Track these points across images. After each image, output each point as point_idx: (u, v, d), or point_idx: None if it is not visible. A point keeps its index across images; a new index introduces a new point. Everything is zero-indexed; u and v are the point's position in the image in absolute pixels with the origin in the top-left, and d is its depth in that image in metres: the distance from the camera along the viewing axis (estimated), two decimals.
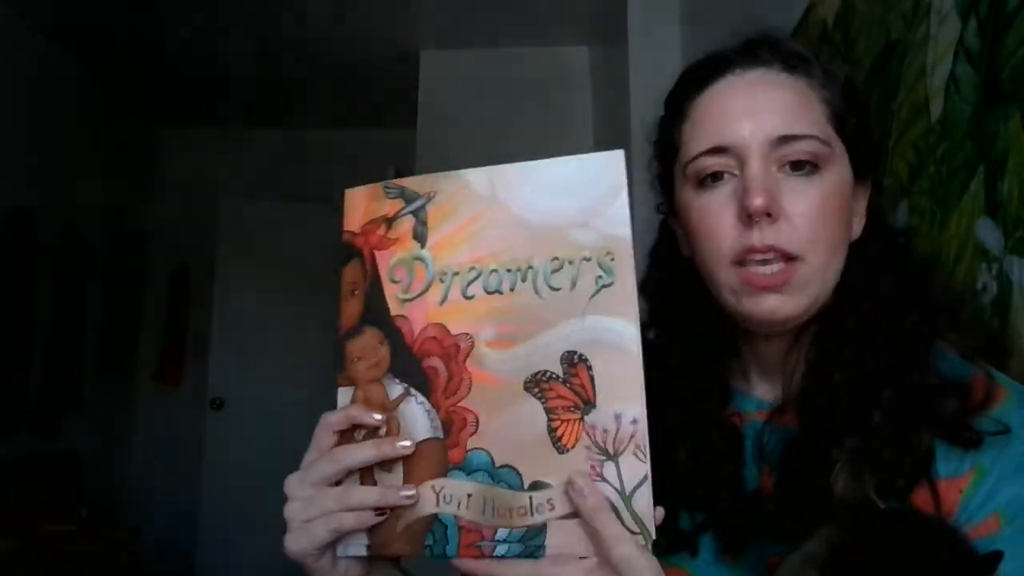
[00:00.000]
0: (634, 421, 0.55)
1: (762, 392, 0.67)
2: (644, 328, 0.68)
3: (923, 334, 0.58)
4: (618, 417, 0.55)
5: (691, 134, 0.63)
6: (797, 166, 0.58)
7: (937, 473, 0.54)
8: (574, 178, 0.60)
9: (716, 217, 0.60)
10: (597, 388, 0.56)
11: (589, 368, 0.57)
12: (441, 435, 0.60)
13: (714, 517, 0.63)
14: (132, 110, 4.15)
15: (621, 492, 0.55)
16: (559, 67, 3.25)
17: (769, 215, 0.57)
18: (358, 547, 0.60)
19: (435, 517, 0.58)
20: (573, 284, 0.58)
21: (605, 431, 0.55)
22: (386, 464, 0.60)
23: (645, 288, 0.71)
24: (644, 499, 0.54)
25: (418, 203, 0.64)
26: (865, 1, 1.07)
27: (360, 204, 0.66)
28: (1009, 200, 0.73)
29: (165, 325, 4.30)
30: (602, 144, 2.48)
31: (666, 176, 0.67)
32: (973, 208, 0.79)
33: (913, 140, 0.92)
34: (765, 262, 0.58)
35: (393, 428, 0.61)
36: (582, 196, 0.59)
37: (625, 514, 0.54)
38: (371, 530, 0.59)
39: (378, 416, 0.60)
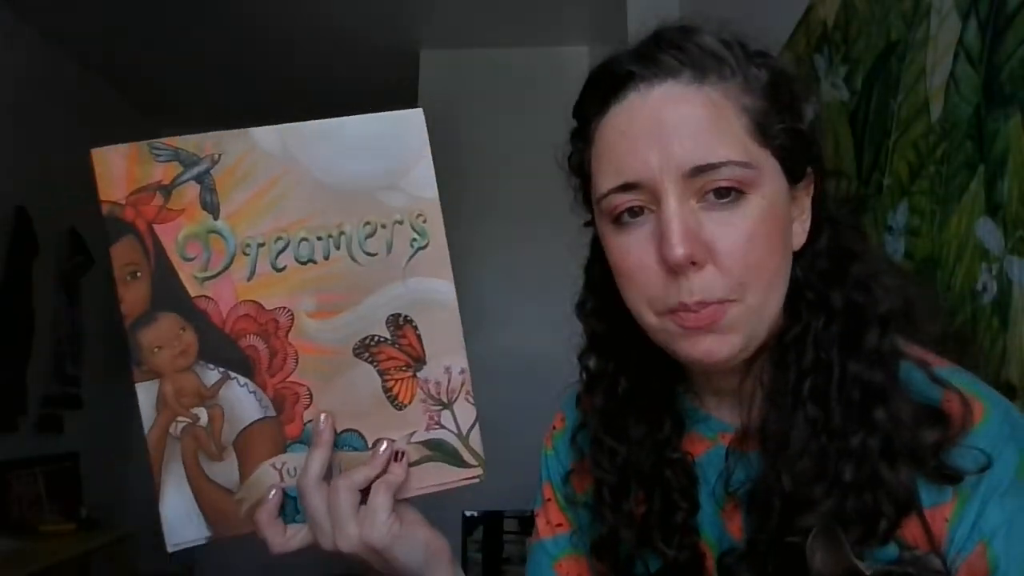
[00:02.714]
0: (462, 371, 0.60)
1: (723, 414, 0.62)
2: (584, 354, 0.67)
3: (884, 356, 0.53)
4: (448, 369, 0.60)
5: (598, 165, 0.56)
6: (721, 193, 0.52)
7: (921, 502, 0.50)
8: (375, 138, 0.59)
9: (637, 261, 0.54)
10: (425, 345, 0.59)
11: (415, 328, 0.59)
12: (273, 413, 0.58)
13: (669, 567, 0.60)
14: (132, 110, 4.15)
15: (459, 434, 0.60)
16: (559, 67, 3.25)
17: (694, 263, 0.51)
18: (198, 535, 0.59)
19: (282, 492, 0.59)
20: (389, 248, 0.58)
21: (438, 383, 0.60)
22: (215, 454, 0.58)
23: (582, 311, 0.67)
24: (477, 436, 0.60)
25: (200, 167, 0.57)
26: (865, 1, 1.07)
27: (118, 168, 0.57)
28: (1009, 200, 0.73)
29: None
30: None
31: (587, 193, 0.61)
32: (973, 208, 0.79)
33: (913, 140, 0.92)
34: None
35: (216, 416, 0.58)
36: (385, 157, 0.59)
37: (464, 451, 0.60)
38: (212, 519, 0.58)
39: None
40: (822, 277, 0.57)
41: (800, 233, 0.58)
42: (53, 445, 3.40)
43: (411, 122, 0.59)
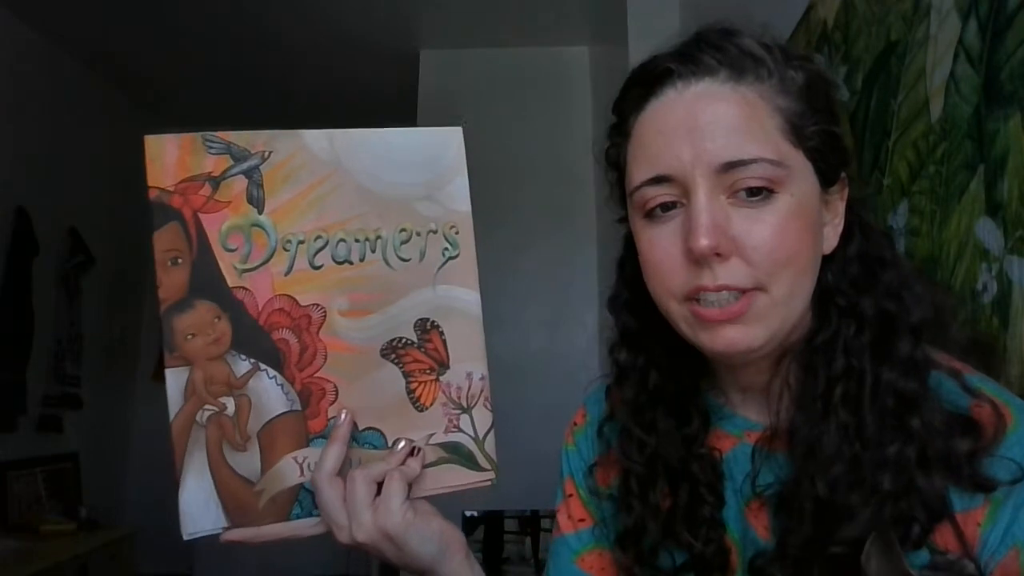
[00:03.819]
0: (482, 377, 0.63)
1: (748, 411, 0.63)
2: (615, 348, 0.67)
3: (918, 365, 0.54)
4: (469, 375, 0.62)
5: (633, 159, 0.57)
6: (752, 192, 0.52)
7: (952, 507, 0.50)
8: (417, 151, 0.62)
9: (664, 252, 0.55)
10: (450, 350, 0.62)
11: (441, 333, 0.62)
12: (299, 407, 0.60)
13: (695, 561, 0.60)
14: (133, 110, 4.15)
15: (475, 438, 0.63)
16: (559, 67, 3.25)
17: (719, 255, 0.52)
18: (215, 525, 0.59)
19: (300, 487, 0.60)
20: (422, 255, 0.62)
21: (459, 388, 0.62)
22: (239, 444, 0.59)
23: (615, 305, 0.67)
24: (492, 442, 0.63)
25: (250, 162, 0.60)
26: (865, 1, 1.07)
27: (170, 155, 0.59)
28: (1009, 200, 0.73)
29: None
30: (599, 143, 2.47)
31: (623, 187, 0.61)
32: (973, 208, 0.79)
33: (913, 140, 0.92)
34: (718, 297, 0.53)
35: (243, 407, 0.59)
36: (425, 169, 0.62)
37: (479, 455, 0.63)
38: (230, 509, 0.59)
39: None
40: (853, 283, 0.57)
41: (832, 237, 0.58)
42: (53, 445, 3.40)
43: (451, 138, 0.62)
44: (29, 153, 3.27)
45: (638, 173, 0.56)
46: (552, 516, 0.75)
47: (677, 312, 0.56)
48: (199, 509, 0.59)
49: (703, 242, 0.51)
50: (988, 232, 0.77)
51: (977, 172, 0.79)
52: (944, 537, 0.50)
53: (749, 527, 0.60)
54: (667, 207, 0.55)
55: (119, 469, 4.13)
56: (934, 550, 0.50)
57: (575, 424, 0.74)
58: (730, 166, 0.52)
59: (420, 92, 3.27)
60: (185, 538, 0.59)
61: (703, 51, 0.55)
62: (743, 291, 0.53)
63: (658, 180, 0.54)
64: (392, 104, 3.59)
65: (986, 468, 0.50)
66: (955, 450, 0.50)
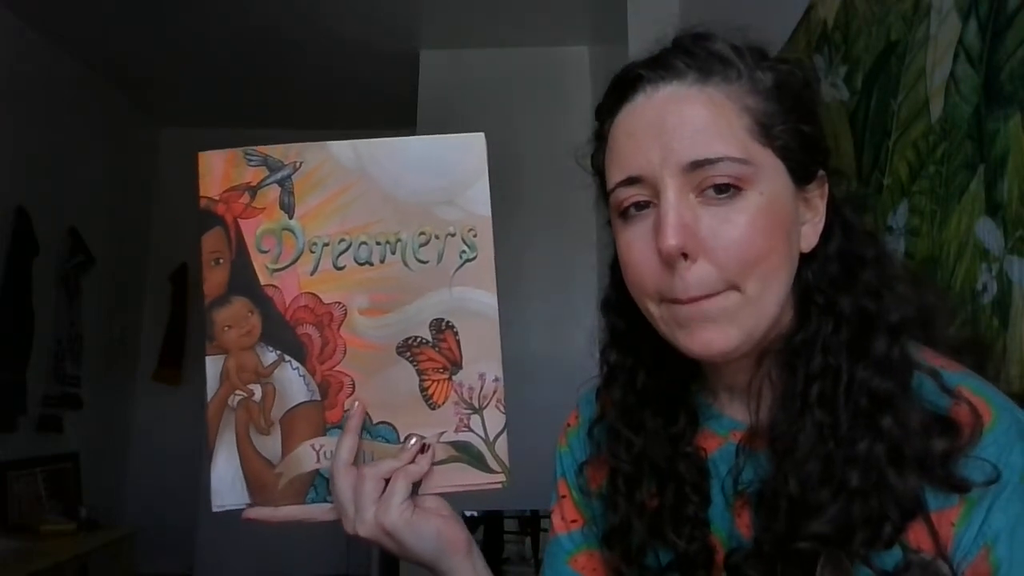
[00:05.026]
0: (496, 379, 0.64)
1: (735, 411, 0.63)
2: (605, 349, 0.68)
3: (894, 364, 0.54)
4: (482, 376, 0.64)
5: (608, 162, 0.59)
6: (719, 189, 0.53)
7: (927, 506, 0.50)
8: (439, 157, 0.65)
9: (639, 253, 0.56)
10: (463, 351, 0.64)
11: (456, 334, 0.64)
12: (318, 397, 0.64)
13: (680, 559, 0.61)
14: (132, 110, 4.15)
15: (485, 439, 0.64)
16: (559, 67, 3.25)
17: (686, 256, 0.53)
18: (239, 501, 0.65)
19: (316, 472, 0.64)
20: (440, 257, 0.64)
21: (471, 388, 0.64)
22: (263, 428, 0.64)
23: (606, 307, 0.69)
24: (504, 444, 0.64)
25: (283, 172, 0.65)
26: (865, 1, 1.07)
27: (217, 169, 0.66)
28: (1009, 200, 0.73)
29: (165, 325, 4.30)
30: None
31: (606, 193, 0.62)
32: (973, 208, 0.79)
33: (913, 140, 0.92)
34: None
35: (269, 394, 0.64)
36: (446, 175, 0.65)
37: (489, 457, 0.64)
38: (253, 488, 0.64)
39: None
40: (832, 282, 0.58)
41: (811, 235, 0.58)
42: (53, 445, 3.40)
43: (473, 145, 0.66)
44: (29, 153, 3.28)
45: (613, 175, 0.58)
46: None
47: (656, 313, 0.57)
48: (227, 486, 0.64)
49: (670, 242, 0.52)
50: (988, 232, 0.77)
51: (977, 172, 0.79)
52: (919, 536, 0.50)
53: (734, 526, 0.61)
54: (640, 207, 0.56)
55: (119, 469, 4.13)
56: (908, 549, 0.50)
57: (568, 425, 0.75)
58: (696, 165, 0.53)
59: (420, 92, 3.27)
60: (214, 510, 0.64)
61: (674, 56, 0.57)
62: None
63: (630, 181, 0.56)
64: (392, 104, 3.60)
65: (960, 469, 0.50)
66: (931, 450, 0.50)
